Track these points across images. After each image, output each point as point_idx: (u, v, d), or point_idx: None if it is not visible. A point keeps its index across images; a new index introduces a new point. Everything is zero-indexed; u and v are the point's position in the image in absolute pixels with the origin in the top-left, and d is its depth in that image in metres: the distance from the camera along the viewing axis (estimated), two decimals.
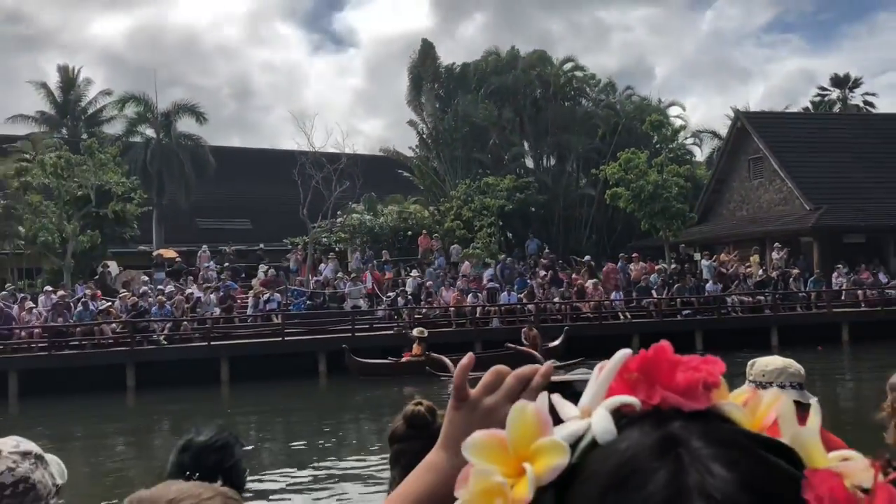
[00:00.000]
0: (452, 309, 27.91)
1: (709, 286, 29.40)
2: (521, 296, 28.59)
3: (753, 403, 0.65)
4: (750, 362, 3.48)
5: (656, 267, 30.84)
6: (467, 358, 0.93)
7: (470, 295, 28.33)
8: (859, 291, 29.97)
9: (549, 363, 0.91)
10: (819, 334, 25.91)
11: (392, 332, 26.93)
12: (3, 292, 27.19)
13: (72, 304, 25.28)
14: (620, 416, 0.63)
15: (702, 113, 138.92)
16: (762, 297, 29.73)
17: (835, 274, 30.38)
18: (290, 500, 11.59)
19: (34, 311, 24.99)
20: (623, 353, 0.66)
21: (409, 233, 37.78)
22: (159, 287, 28.11)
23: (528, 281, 29.63)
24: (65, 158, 30.43)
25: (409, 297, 28.50)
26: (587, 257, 32.81)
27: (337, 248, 35.87)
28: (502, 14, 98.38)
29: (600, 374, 0.67)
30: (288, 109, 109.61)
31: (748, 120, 38.49)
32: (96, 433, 17.91)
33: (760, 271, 31.01)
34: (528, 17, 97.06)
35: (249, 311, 27.38)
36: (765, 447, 0.60)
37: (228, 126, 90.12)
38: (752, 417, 0.64)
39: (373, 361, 23.72)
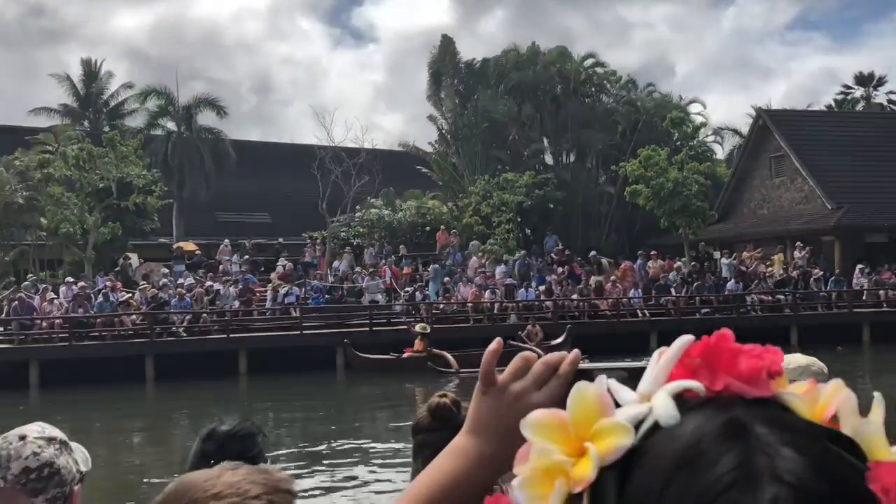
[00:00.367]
0: (470, 305, 27.92)
1: (730, 285, 29.25)
2: (539, 292, 28.55)
3: (813, 394, 0.65)
4: None
5: (675, 265, 30.70)
6: (496, 343, 0.92)
7: (487, 291, 28.32)
8: (881, 291, 29.72)
9: (576, 351, 0.91)
10: (839, 334, 25.70)
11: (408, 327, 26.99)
12: (25, 283, 27.47)
13: (92, 295, 25.49)
14: (681, 401, 0.64)
15: (723, 110, 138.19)
16: (782, 297, 29.54)
17: (856, 274, 30.14)
18: (306, 491, 11.65)
19: (55, 301, 25.20)
20: (685, 339, 0.67)
21: (427, 228, 37.81)
22: (179, 280, 28.29)
23: (547, 278, 29.58)
24: (87, 151, 30.66)
25: (427, 292, 28.52)
26: (592, 253, 32.72)
27: (355, 243, 35.97)
28: (523, 10, 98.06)
29: (660, 360, 0.68)
30: (308, 104, 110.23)
31: (770, 118, 38.21)
32: (115, 423, 18.06)
33: (781, 270, 30.81)
34: (548, 13, 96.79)
35: (268, 305, 27.51)
36: (827, 437, 0.60)
37: (249, 120, 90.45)
38: (812, 408, 0.64)
39: (375, 357, 23.72)
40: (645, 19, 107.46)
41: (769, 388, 0.64)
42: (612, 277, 29.18)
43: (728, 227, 37.94)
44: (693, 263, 31.17)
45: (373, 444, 14.92)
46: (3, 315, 25.16)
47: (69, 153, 30.43)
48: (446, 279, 29.41)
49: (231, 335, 25.20)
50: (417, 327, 24.39)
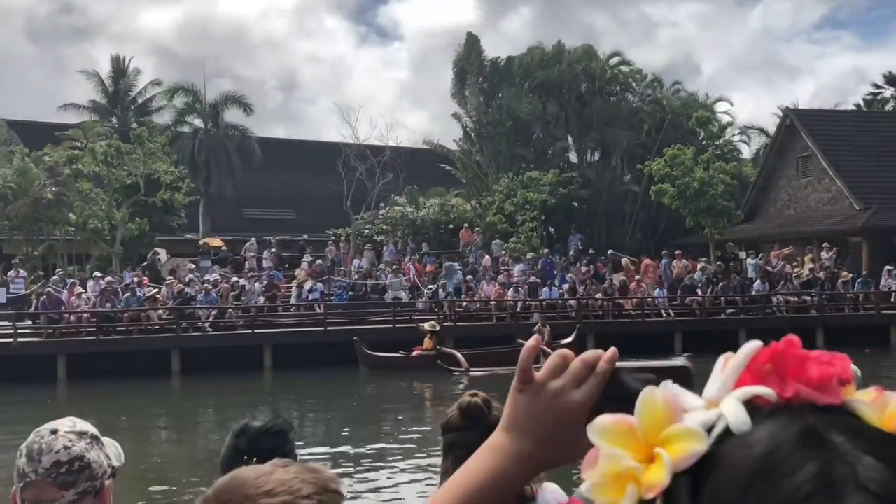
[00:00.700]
0: (493, 303, 27.87)
1: (756, 285, 29.01)
2: (563, 291, 28.46)
3: (882, 402, 0.64)
4: None
5: (699, 265, 30.47)
6: (534, 339, 0.91)
7: (511, 289, 28.26)
8: None
9: (613, 349, 0.89)
10: (867, 336, 25.37)
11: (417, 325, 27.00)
12: (54, 277, 27.77)
13: (119, 290, 25.73)
14: (750, 407, 0.63)
15: (749, 110, 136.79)
16: (808, 297, 29.24)
17: (883, 275, 29.75)
18: None
19: (83, 296, 25.46)
20: (753, 345, 0.66)
21: (451, 226, 37.81)
22: (205, 275, 28.48)
23: (571, 276, 29.46)
24: (115, 147, 30.97)
25: (451, 290, 28.51)
26: (610, 251, 32.54)
27: (379, 240, 36.07)
28: (548, 8, 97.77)
29: (727, 366, 0.67)
30: (333, 102, 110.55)
31: (797, 117, 37.82)
32: (141, 417, 18.21)
33: (807, 271, 30.49)
34: (574, 12, 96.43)
35: (293, 301, 27.63)
36: None
37: (274, 117, 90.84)
38: (881, 415, 0.63)
39: (384, 355, 23.67)
40: (671, 18, 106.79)
41: (839, 396, 0.63)
42: (637, 277, 29.01)
43: (754, 228, 37.61)
44: (718, 263, 30.92)
45: (397, 441, 14.93)
46: (32, 309, 25.48)
47: (98, 149, 30.74)
48: (469, 277, 29.38)
49: (256, 330, 25.35)
50: (427, 325, 24.29)
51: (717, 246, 33.23)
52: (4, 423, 17.42)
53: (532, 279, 29.16)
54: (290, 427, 2.57)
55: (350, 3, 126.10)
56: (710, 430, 0.63)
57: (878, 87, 54.22)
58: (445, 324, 26.88)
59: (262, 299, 27.07)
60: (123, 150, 31.02)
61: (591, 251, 33.15)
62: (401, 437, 15.56)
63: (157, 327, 25.13)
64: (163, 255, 30.84)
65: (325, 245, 34.68)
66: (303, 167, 46.78)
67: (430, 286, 29.44)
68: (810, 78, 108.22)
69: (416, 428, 16.54)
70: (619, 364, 0.87)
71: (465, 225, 36.11)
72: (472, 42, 43.07)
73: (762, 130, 47.53)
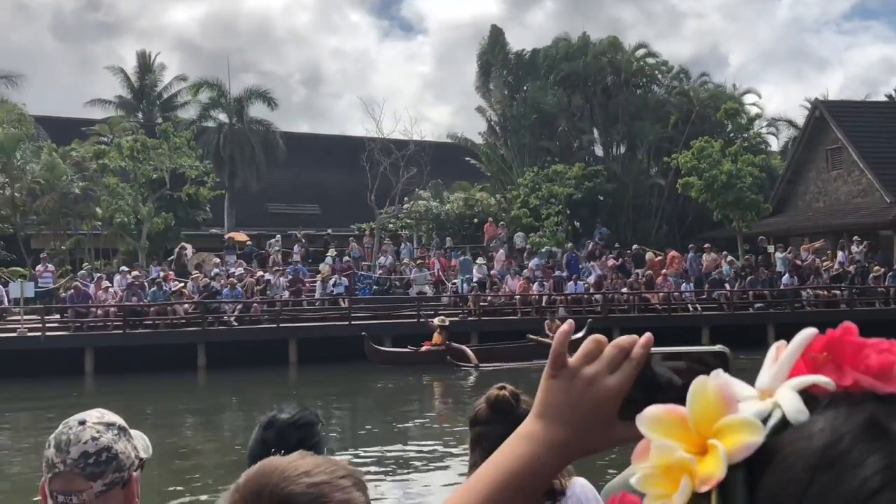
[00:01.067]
0: (518, 297, 27.80)
1: (785, 279, 28.73)
2: (588, 285, 28.35)
3: None
4: None
5: (724, 258, 30.23)
6: (567, 324, 0.86)
7: (536, 283, 28.18)
8: None
9: (648, 334, 0.85)
10: None
11: (458, 318, 27.02)
12: (81, 271, 28.07)
13: (146, 284, 25.94)
14: (806, 396, 0.62)
15: (777, 102, 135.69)
16: (838, 292, 28.91)
17: None
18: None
19: (110, 290, 25.70)
20: (808, 333, 0.63)
21: (475, 220, 37.79)
22: (230, 269, 28.66)
23: (597, 270, 29.33)
24: (141, 142, 31.23)
25: (475, 284, 28.49)
26: (635, 246, 32.37)
27: (402, 234, 36.12)
28: (573, 0, 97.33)
29: (782, 354, 0.64)
30: (357, 96, 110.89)
31: (827, 109, 37.38)
32: (167, 410, 18.36)
33: (836, 264, 30.16)
34: (599, 3, 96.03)
35: (317, 295, 27.73)
36: None
37: (299, 112, 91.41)
38: None
39: (392, 350, 23.65)
40: (697, 9, 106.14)
41: None
42: (664, 270, 28.84)
43: (782, 221, 37.25)
44: (747, 257, 30.65)
45: (421, 433, 14.93)
46: (60, 303, 25.77)
47: (124, 144, 31.01)
48: (493, 272, 29.34)
49: (281, 325, 25.47)
50: (436, 320, 24.14)
51: (745, 239, 32.95)
52: (33, 417, 17.64)
53: (557, 273, 29.08)
54: (318, 419, 2.55)
55: None
56: (764, 420, 0.62)
57: None
58: (469, 318, 26.90)
59: (286, 294, 27.19)
60: (149, 145, 31.27)
61: (616, 245, 32.98)
62: (426, 430, 15.55)
63: (182, 321, 25.31)
64: (189, 250, 31.06)
65: (350, 239, 34.77)
66: (327, 162, 46.94)
67: (454, 280, 29.45)
68: (839, 69, 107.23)
69: (437, 421, 16.54)
70: (654, 350, 0.83)
71: (490, 219, 36.07)
72: (496, 35, 42.93)
73: (791, 122, 47.06)
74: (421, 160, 33.13)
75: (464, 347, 23.04)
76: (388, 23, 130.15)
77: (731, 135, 37.70)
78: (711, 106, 39.83)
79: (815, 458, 0.57)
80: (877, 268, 29.49)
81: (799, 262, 29.85)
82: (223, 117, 43.59)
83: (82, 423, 2.01)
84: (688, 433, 0.63)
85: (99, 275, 27.24)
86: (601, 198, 37.67)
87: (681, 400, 0.67)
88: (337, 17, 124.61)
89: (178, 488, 11.16)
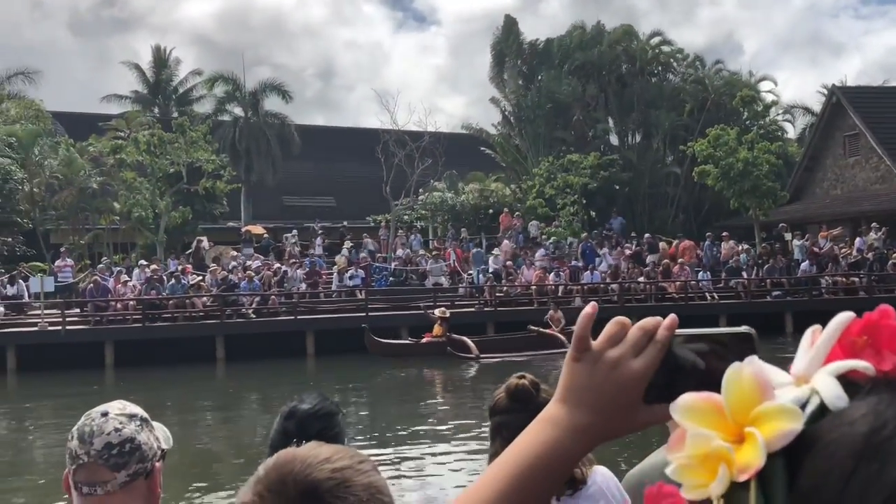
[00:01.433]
0: (534, 287, 27.76)
1: (804, 266, 28.53)
2: (605, 274, 28.28)
3: None
4: None
5: (739, 247, 30.05)
6: (591, 307, 0.85)
7: (552, 273, 28.12)
8: None
9: (673, 315, 0.84)
10: None
11: (473, 309, 27.03)
12: (100, 265, 28.26)
13: (164, 277, 26.09)
14: (845, 382, 0.60)
15: (793, 88, 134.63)
16: (856, 279, 28.69)
17: None
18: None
19: (129, 284, 25.86)
20: (845, 316, 0.62)
21: (490, 211, 37.75)
22: (247, 262, 28.77)
23: (608, 259, 29.24)
24: (157, 136, 31.35)
25: (491, 274, 28.47)
26: (647, 235, 32.25)
27: (417, 226, 36.15)
28: None
29: (817, 339, 0.63)
30: (371, 88, 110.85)
31: (844, 95, 37.04)
32: (186, 402, 18.48)
33: (854, 251, 29.93)
34: None
35: (334, 287, 27.80)
36: None
37: (313, 105, 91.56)
38: None
39: (393, 342, 23.43)
40: None
41: None
42: (680, 260, 28.72)
43: (800, 208, 36.98)
44: (764, 245, 30.46)
45: (443, 425, 14.95)
46: (79, 297, 25.97)
47: (140, 139, 31.16)
48: (508, 263, 29.31)
49: (298, 317, 25.55)
50: (436, 312, 24.00)
51: (762, 227, 32.74)
52: (54, 410, 17.81)
53: (574, 262, 29.03)
54: (339, 409, 2.56)
55: None
56: (802, 407, 0.61)
57: None
58: (486, 309, 26.88)
59: (303, 286, 27.27)
60: (166, 139, 31.40)
61: (633, 234, 32.86)
62: (442, 421, 15.57)
63: (201, 314, 25.45)
64: (205, 242, 31.24)
65: (365, 231, 34.83)
66: (342, 154, 46.99)
67: (469, 272, 29.46)
68: (857, 55, 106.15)
69: (460, 409, 16.56)
70: (678, 331, 0.82)
71: (505, 210, 36.00)
72: (509, 25, 42.78)
73: (807, 109, 46.69)
74: (436, 151, 33.08)
75: (464, 339, 22.87)
76: (401, 14, 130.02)
77: (747, 122, 37.43)
78: (727, 93, 39.57)
79: (859, 445, 0.55)
80: (895, 255, 29.25)
81: (817, 250, 29.64)
82: (238, 111, 43.73)
83: (105, 414, 2.02)
84: (724, 421, 0.62)
85: (118, 269, 27.43)
86: (617, 187, 37.52)
87: (703, 384, 0.67)
88: (350, 10, 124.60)
89: (198, 480, 11.24)
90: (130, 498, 1.98)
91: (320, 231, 33.77)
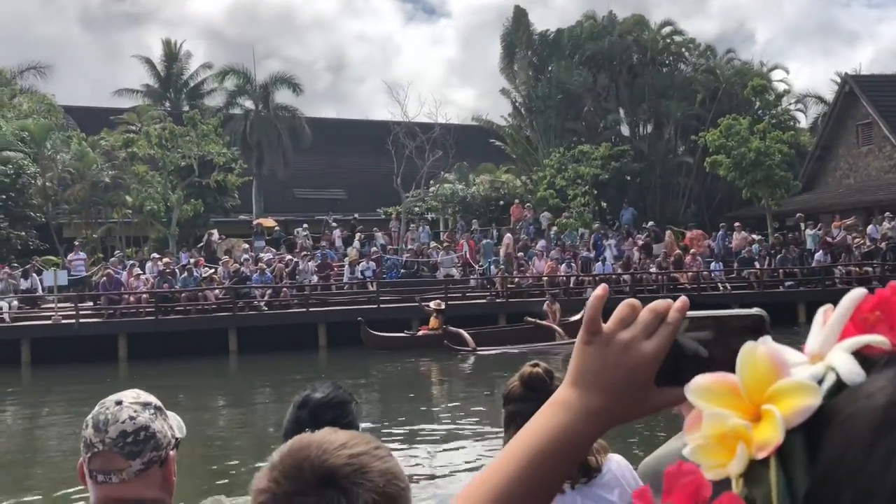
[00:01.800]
0: (545, 278, 27.72)
1: (818, 256, 28.39)
2: (616, 265, 28.23)
3: None
4: None
5: (750, 237, 29.91)
6: (601, 288, 0.84)
7: (563, 264, 28.08)
8: None
9: (684, 298, 0.84)
10: None
11: (485, 300, 27.02)
12: (112, 259, 28.38)
13: (177, 270, 26.18)
14: (860, 358, 0.60)
15: (805, 78, 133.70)
16: (870, 269, 28.51)
17: None
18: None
19: (141, 277, 25.97)
20: (858, 293, 0.62)
21: (501, 202, 37.70)
22: (259, 255, 28.83)
23: (612, 249, 29.19)
24: (169, 130, 31.43)
25: (502, 266, 28.45)
26: (650, 223, 32.14)
27: (427, 217, 36.15)
28: None
29: (830, 317, 0.63)
30: (382, 80, 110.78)
31: (857, 83, 36.76)
32: (199, 394, 18.54)
33: (868, 241, 29.75)
34: None
35: (345, 279, 27.84)
36: None
37: (324, 98, 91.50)
38: None
39: (389, 335, 23.22)
40: None
41: None
42: (693, 250, 28.63)
43: (812, 198, 36.77)
44: (776, 235, 30.31)
45: (456, 416, 14.97)
46: (92, 290, 26.10)
47: (152, 132, 31.25)
48: (520, 254, 29.29)
49: (310, 309, 25.60)
50: (432, 304, 23.82)
51: (774, 217, 32.57)
52: (68, 402, 17.91)
53: (585, 254, 28.99)
54: (352, 398, 2.56)
55: None
56: (818, 383, 0.61)
57: None
58: (497, 300, 26.86)
59: (315, 278, 27.31)
60: (177, 132, 31.47)
61: (643, 225, 32.77)
62: (455, 410, 15.59)
63: (213, 307, 25.55)
64: (215, 235, 31.36)
65: (376, 224, 34.87)
66: (353, 146, 46.98)
67: (481, 263, 29.46)
68: (869, 43, 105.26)
69: (475, 399, 16.57)
70: (699, 312, 0.81)
71: (516, 201, 35.95)
72: (519, 16, 42.62)
73: (820, 98, 46.32)
74: (446, 143, 33.07)
75: (461, 331, 22.74)
76: (411, 6, 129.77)
77: (759, 112, 37.23)
78: (738, 83, 39.34)
79: (878, 417, 0.55)
80: None
81: (830, 240, 29.47)
82: (249, 104, 43.77)
83: (119, 403, 2.02)
84: (739, 400, 0.62)
85: (131, 262, 27.53)
86: (628, 178, 37.39)
87: (708, 371, 0.66)
88: (360, 2, 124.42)
89: (210, 471, 11.29)
90: (145, 486, 1.98)
91: (335, 224, 33.81)
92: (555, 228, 32.31)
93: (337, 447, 1.04)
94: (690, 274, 27.77)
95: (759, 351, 0.62)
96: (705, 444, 0.62)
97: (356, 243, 30.60)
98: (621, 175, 36.75)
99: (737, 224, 30.98)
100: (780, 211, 32.97)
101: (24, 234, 30.75)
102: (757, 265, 28.41)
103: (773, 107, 37.83)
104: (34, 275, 26.35)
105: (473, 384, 19.58)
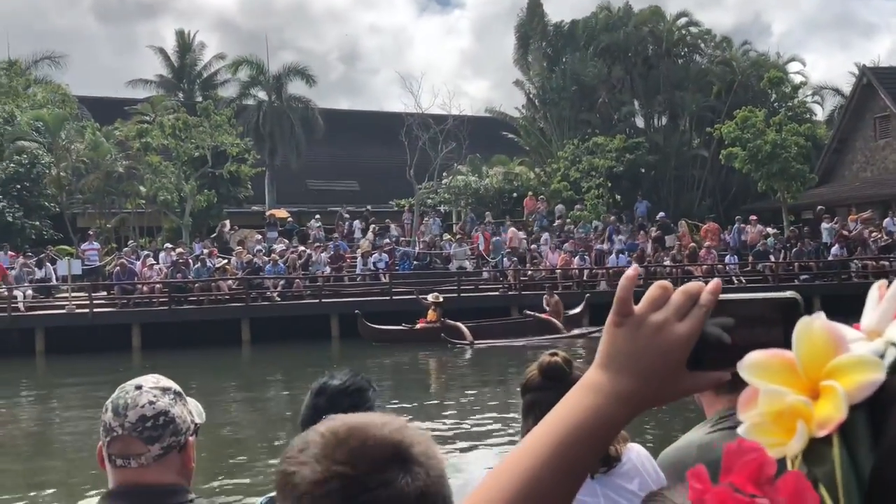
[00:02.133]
0: (559, 271, 27.65)
1: (834, 250, 28.22)
2: (630, 258, 28.13)
3: None
4: None
5: (765, 230, 29.75)
6: (633, 269, 0.83)
7: (577, 257, 28.02)
8: None
9: (717, 280, 0.82)
10: None
11: (497, 293, 26.99)
12: (126, 249, 28.51)
13: (190, 261, 26.27)
14: None
15: (822, 70, 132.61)
16: (886, 262, 28.32)
17: None
18: None
19: (155, 267, 26.07)
20: None
21: (515, 194, 37.63)
22: (272, 246, 28.90)
23: (637, 243, 29.10)
24: (182, 120, 31.49)
25: (515, 259, 28.41)
26: (661, 214, 31.99)
27: (440, 209, 36.14)
28: None
29: (887, 293, 0.62)
30: (395, 71, 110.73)
31: (875, 76, 36.44)
32: (212, 384, 18.60)
33: (884, 235, 29.55)
34: None
35: (358, 271, 27.87)
36: None
37: (337, 89, 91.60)
38: None
39: (387, 328, 23.19)
40: None
41: None
42: (707, 243, 28.51)
43: (829, 191, 36.52)
44: (792, 228, 30.14)
45: (471, 408, 14.97)
46: (106, 280, 26.22)
47: (166, 123, 31.33)
48: (533, 246, 29.27)
49: (323, 300, 25.63)
50: (430, 297, 23.75)
51: (790, 210, 32.38)
52: (83, 391, 18.02)
53: (598, 246, 28.92)
54: (370, 385, 2.53)
55: None
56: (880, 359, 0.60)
57: None
58: (510, 293, 26.82)
59: (328, 269, 27.35)
60: (190, 123, 31.53)
61: (657, 218, 32.63)
62: (472, 402, 15.59)
63: (227, 297, 25.63)
64: (227, 225, 31.47)
65: (388, 216, 34.87)
66: (366, 138, 46.97)
67: (493, 256, 29.42)
68: (888, 35, 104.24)
69: (491, 388, 16.57)
70: (732, 296, 0.80)
71: (530, 193, 35.86)
72: (534, 6, 42.43)
73: (837, 91, 45.97)
74: (459, 135, 33.00)
75: (459, 324, 22.71)
76: None
77: (775, 104, 36.97)
78: (754, 75, 39.04)
79: None
80: None
81: (846, 233, 29.28)
82: (262, 95, 43.79)
83: (139, 387, 2.01)
84: (796, 377, 0.60)
85: (144, 252, 27.64)
86: (642, 170, 37.21)
87: (730, 358, 0.65)
88: None
89: (223, 459, 11.32)
90: (164, 471, 1.97)
91: (347, 216, 33.85)
92: (559, 221, 32.22)
93: (401, 426, 0.98)
94: (705, 267, 27.65)
95: (815, 326, 0.62)
96: (761, 423, 0.61)
97: (369, 235, 30.63)
98: (636, 167, 36.57)
99: (752, 217, 30.81)
100: (796, 204, 32.75)
101: (38, 223, 30.91)
102: (772, 258, 28.27)
103: (789, 99, 37.54)
104: (48, 264, 26.50)
105: (486, 375, 19.56)
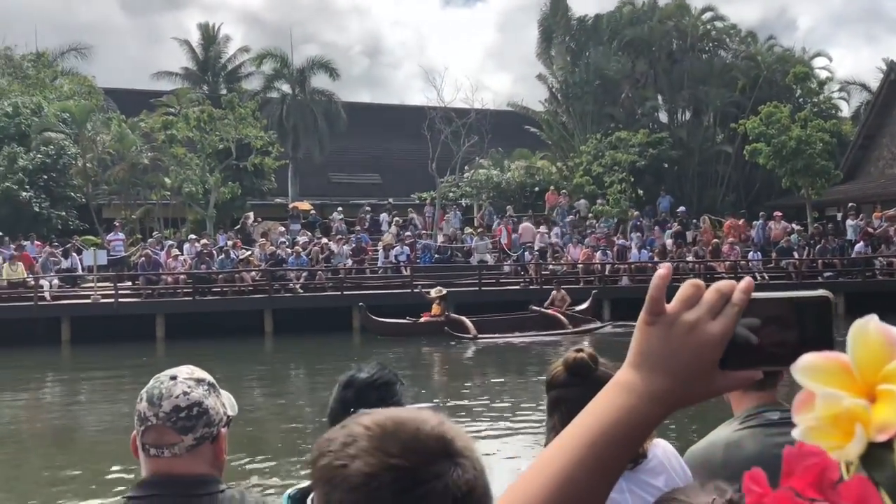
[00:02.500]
0: (580, 266, 27.57)
1: (858, 247, 27.92)
2: (653, 254, 28.02)
3: None
4: None
5: (788, 227, 29.48)
6: (665, 268, 0.83)
7: (599, 252, 27.93)
8: None
9: (748, 278, 0.82)
10: None
11: (518, 287, 26.96)
12: (151, 239, 28.74)
13: (214, 252, 26.44)
14: None
15: (849, 65, 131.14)
16: None
17: None
18: None
19: (179, 258, 26.26)
20: None
21: (536, 188, 37.51)
22: (295, 238, 29.02)
23: (654, 238, 28.96)
24: (207, 113, 31.65)
25: (536, 252, 28.37)
26: (681, 208, 31.76)
27: (462, 203, 36.12)
28: None
29: None
30: (418, 64, 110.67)
31: None
32: (235, 375, 18.69)
33: None
34: None
35: (379, 263, 27.94)
36: None
37: (360, 82, 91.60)
38: None
39: (391, 321, 23.16)
40: None
41: None
42: (731, 239, 28.32)
43: (854, 188, 36.09)
44: (816, 225, 29.85)
45: (486, 401, 14.98)
46: (131, 270, 26.45)
47: (191, 115, 31.49)
48: (555, 241, 29.19)
49: (345, 292, 25.73)
50: (433, 291, 23.75)
51: (814, 207, 32.06)
52: (108, 380, 18.20)
53: (621, 242, 28.82)
54: (397, 378, 2.54)
55: None
56: None
57: None
58: (531, 287, 26.77)
59: (350, 262, 27.45)
60: (215, 115, 31.68)
61: (677, 212, 32.45)
62: (494, 397, 15.60)
63: (250, 288, 25.78)
64: (251, 217, 31.62)
65: (411, 209, 34.87)
66: (388, 131, 46.97)
67: (513, 250, 29.40)
68: None
69: (511, 384, 16.57)
70: (765, 294, 0.80)
71: (552, 187, 35.74)
72: (557, 0, 42.24)
73: (864, 86, 45.38)
74: (482, 128, 32.94)
75: (463, 318, 22.67)
76: None
77: (801, 100, 36.62)
78: (780, 70, 38.65)
79: None
80: None
81: (871, 230, 28.96)
82: (286, 88, 43.88)
83: (174, 378, 2.04)
84: (851, 380, 0.59)
85: (169, 243, 27.84)
86: (666, 165, 36.98)
87: (760, 358, 0.66)
88: None
89: (246, 450, 11.40)
90: (196, 461, 2.00)
91: (369, 209, 33.90)
92: (570, 217, 32.09)
93: (441, 421, 0.98)
94: (727, 263, 27.47)
95: (871, 329, 0.60)
96: (817, 426, 0.59)
97: (392, 228, 30.68)
98: (659, 162, 36.34)
99: (776, 214, 30.54)
100: (820, 201, 32.42)
101: (64, 213, 31.23)
102: (796, 255, 28.04)
103: (814, 95, 37.17)
104: (74, 254, 26.76)
105: (505, 369, 19.56)
